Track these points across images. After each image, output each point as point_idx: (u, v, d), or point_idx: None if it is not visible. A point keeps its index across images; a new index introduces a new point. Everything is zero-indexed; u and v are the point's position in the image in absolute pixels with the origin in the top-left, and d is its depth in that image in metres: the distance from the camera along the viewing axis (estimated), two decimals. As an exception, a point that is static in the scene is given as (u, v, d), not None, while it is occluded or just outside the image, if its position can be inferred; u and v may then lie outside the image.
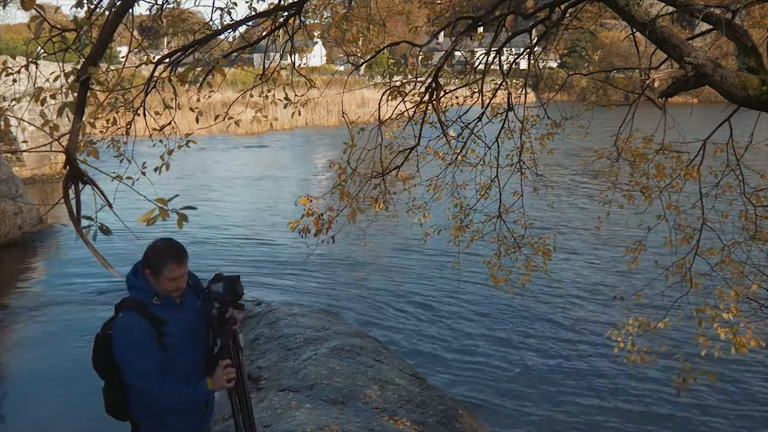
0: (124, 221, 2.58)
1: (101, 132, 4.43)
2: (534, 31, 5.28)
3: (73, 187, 2.60)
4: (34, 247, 13.81)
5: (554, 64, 19.58)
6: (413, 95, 5.06)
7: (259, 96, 5.27)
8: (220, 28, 4.23)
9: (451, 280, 10.97)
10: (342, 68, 43.46)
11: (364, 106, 33.27)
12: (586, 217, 15.55)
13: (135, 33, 3.96)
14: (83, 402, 5.82)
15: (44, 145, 2.65)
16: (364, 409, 5.74)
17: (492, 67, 5.27)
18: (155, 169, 4.31)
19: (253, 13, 4.58)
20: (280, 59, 5.23)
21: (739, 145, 4.71)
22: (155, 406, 2.92)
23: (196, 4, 5.97)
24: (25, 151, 3.32)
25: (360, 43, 6.07)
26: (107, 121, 4.34)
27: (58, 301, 10.31)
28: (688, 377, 4.68)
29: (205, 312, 3.03)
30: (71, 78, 2.89)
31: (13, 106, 3.44)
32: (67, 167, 2.58)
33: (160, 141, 4.68)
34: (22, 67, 3.36)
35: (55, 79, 3.39)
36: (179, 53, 3.67)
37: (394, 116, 5.19)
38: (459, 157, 5.42)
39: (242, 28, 4.51)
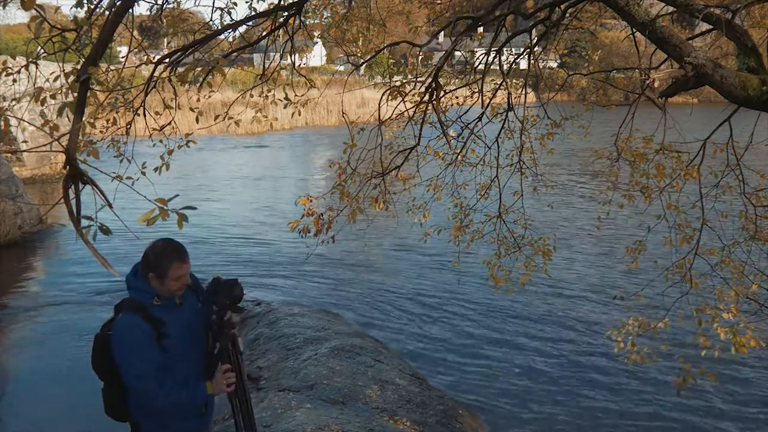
0: (124, 221, 2.58)
1: (101, 132, 4.43)
2: (534, 31, 5.28)
3: (73, 187, 2.60)
4: (34, 247, 13.81)
5: (554, 64, 19.58)
6: (413, 95, 5.06)
7: (259, 96, 5.27)
8: (220, 28, 4.23)
9: (451, 280, 10.97)
10: (342, 68, 43.47)
11: (364, 106, 33.27)
12: (586, 217, 15.55)
13: (135, 33, 3.96)
14: (83, 402, 5.81)
15: (44, 145, 2.66)
16: (364, 409, 5.74)
17: (492, 67, 5.27)
18: (155, 169, 4.31)
19: (253, 13, 4.58)
20: (280, 59, 5.23)
21: (739, 145, 4.71)
22: (154, 407, 2.91)
23: (196, 4, 5.98)
24: (25, 151, 3.32)
25: (360, 43, 6.06)
26: (107, 121, 4.34)
27: (57, 301, 10.31)
28: (687, 377, 4.68)
29: (205, 314, 3.03)
30: (71, 78, 2.89)
31: (13, 106, 3.44)
32: (67, 167, 2.58)
33: (160, 141, 4.68)
34: (22, 67, 3.36)
35: (55, 79, 3.39)
36: (179, 53, 3.67)
37: (394, 116, 5.19)
38: (459, 157, 5.42)
39: (242, 28, 4.51)
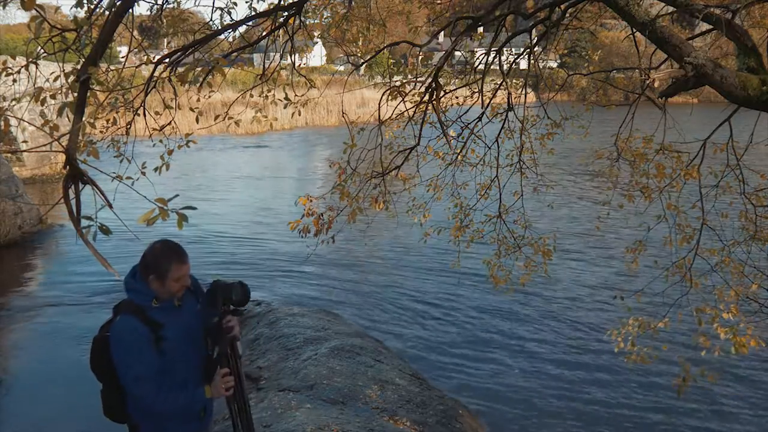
0: (124, 221, 2.57)
1: (101, 132, 4.42)
2: (534, 31, 5.28)
3: (73, 187, 2.60)
4: (34, 247, 13.81)
5: (554, 64, 19.58)
6: (413, 95, 5.06)
7: (259, 96, 5.27)
8: (220, 28, 4.23)
9: (451, 280, 10.98)
10: (342, 68, 43.46)
11: (364, 106, 33.28)
12: (586, 217, 15.55)
13: (135, 33, 3.96)
14: (82, 403, 5.81)
15: (44, 145, 2.66)
16: (364, 409, 5.74)
17: (492, 67, 5.27)
18: (155, 169, 4.31)
19: (253, 13, 4.58)
20: (280, 59, 5.23)
21: (739, 145, 4.71)
22: (152, 410, 2.90)
23: (196, 4, 5.98)
24: (25, 151, 3.32)
25: (360, 43, 6.06)
26: (107, 121, 4.34)
27: (57, 302, 10.31)
28: (688, 377, 4.68)
29: (205, 316, 3.01)
30: (71, 78, 2.89)
31: (13, 106, 3.44)
32: (67, 167, 2.59)
33: (160, 141, 4.67)
34: (22, 67, 3.36)
35: (55, 79, 3.39)
36: (179, 53, 3.67)
37: (394, 116, 5.19)
38: (459, 157, 5.42)
39: (242, 28, 4.51)
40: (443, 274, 11.45)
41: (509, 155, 5.63)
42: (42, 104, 2.81)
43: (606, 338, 5.30)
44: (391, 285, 11.16)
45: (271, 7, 4.31)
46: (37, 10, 2.70)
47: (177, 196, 2.30)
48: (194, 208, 2.22)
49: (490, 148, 5.55)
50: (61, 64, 3.48)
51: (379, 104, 4.82)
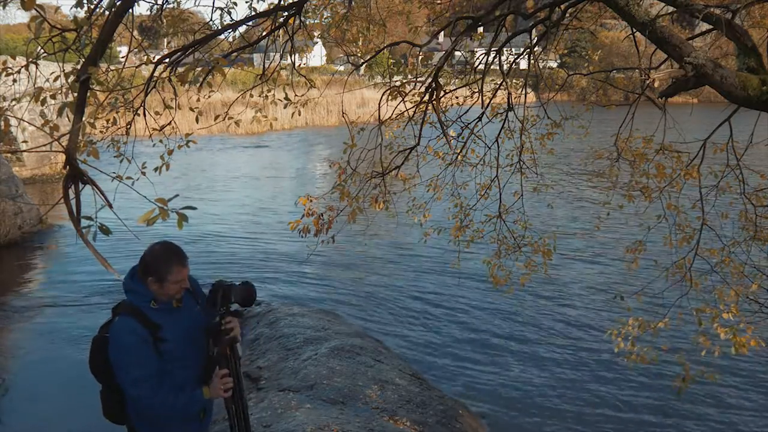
0: (124, 221, 2.57)
1: (101, 132, 4.42)
2: (534, 31, 5.27)
3: (73, 187, 2.60)
4: (34, 247, 13.81)
5: (554, 64, 19.58)
6: (413, 95, 5.06)
7: (259, 96, 5.27)
8: (220, 28, 4.23)
9: (451, 279, 10.98)
10: (342, 68, 43.45)
11: (364, 106, 33.29)
12: (586, 217, 15.55)
13: (135, 33, 3.96)
14: (82, 403, 5.81)
15: (44, 145, 2.66)
16: (364, 409, 5.74)
17: (492, 67, 5.27)
18: (155, 169, 4.31)
19: (253, 13, 4.58)
20: (280, 59, 5.23)
21: (739, 145, 4.71)
22: (151, 412, 2.89)
23: (196, 4, 5.97)
24: (25, 151, 3.33)
25: (360, 43, 6.06)
26: (107, 121, 4.34)
27: (57, 302, 10.31)
28: (688, 377, 4.68)
29: (206, 317, 3.01)
30: (71, 78, 2.89)
31: (13, 106, 3.44)
32: (67, 167, 2.58)
33: (160, 141, 4.68)
34: (22, 67, 3.36)
35: (55, 79, 3.39)
36: (179, 53, 3.67)
37: (394, 116, 5.19)
38: (459, 157, 5.42)
39: (242, 28, 4.51)
40: (443, 274, 11.45)
41: (509, 155, 5.63)
42: (42, 104, 2.82)
43: (606, 338, 5.30)
44: (391, 285, 11.16)
45: (271, 7, 4.31)
46: (37, 10, 2.70)
47: (177, 196, 2.30)
48: (194, 208, 2.22)
49: (490, 148, 5.55)
50: (61, 64, 3.48)
51: (379, 104, 4.81)
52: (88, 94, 2.86)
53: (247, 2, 5.08)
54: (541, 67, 5.59)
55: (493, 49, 5.24)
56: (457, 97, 5.70)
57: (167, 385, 2.85)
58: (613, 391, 7.45)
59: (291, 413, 5.45)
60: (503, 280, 5.42)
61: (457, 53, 5.55)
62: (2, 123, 2.51)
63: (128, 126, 4.54)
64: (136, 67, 4.54)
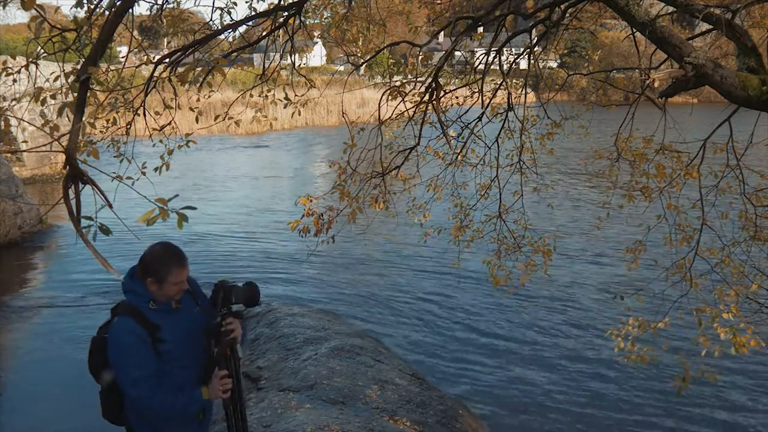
0: (124, 221, 2.57)
1: (101, 132, 4.43)
2: (534, 31, 5.28)
3: (73, 187, 2.60)
4: (34, 247, 13.81)
5: (554, 64, 19.57)
6: (413, 95, 5.06)
7: (259, 96, 5.27)
8: (220, 28, 4.23)
9: (451, 279, 10.98)
10: (342, 68, 43.45)
11: (364, 106, 33.30)
12: (586, 217, 15.55)
13: (135, 33, 3.96)
14: (81, 403, 5.80)
15: (44, 145, 2.66)
16: (364, 409, 5.74)
17: (492, 67, 5.27)
18: (155, 169, 4.31)
19: (253, 13, 4.58)
20: (280, 59, 5.23)
21: (739, 145, 4.71)
22: (150, 413, 2.89)
23: (196, 4, 5.97)
24: (25, 151, 3.33)
25: (360, 43, 6.06)
26: (107, 121, 4.34)
27: (57, 302, 10.31)
28: (688, 377, 4.68)
29: (205, 318, 3.00)
30: (71, 78, 2.89)
31: (13, 106, 3.45)
32: (67, 167, 2.58)
33: (160, 141, 4.68)
34: (22, 67, 3.36)
35: (55, 79, 3.39)
36: (179, 53, 3.66)
37: (394, 116, 5.19)
38: (459, 157, 5.42)
39: (242, 28, 4.51)
40: (443, 274, 11.45)
41: (509, 155, 5.63)
42: (42, 104, 2.82)
43: (606, 338, 5.30)
44: (391, 285, 11.16)
45: (271, 7, 4.31)
46: (37, 10, 2.70)
47: (177, 196, 2.30)
48: (194, 208, 2.22)
49: (490, 148, 5.55)
50: (61, 64, 3.48)
51: (379, 104, 4.81)
52: (88, 94, 2.85)
53: (247, 2, 5.09)
54: (541, 67, 5.59)
55: (493, 49, 5.24)
56: (457, 97, 5.70)
57: (166, 385, 2.84)
58: (612, 391, 7.45)
59: (291, 413, 5.45)
60: (503, 280, 5.42)
61: (457, 53, 5.55)
62: (2, 123, 2.51)
63: (128, 126, 4.54)
64: (136, 67, 4.54)
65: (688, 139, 4.89)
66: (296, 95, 5.28)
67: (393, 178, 5.18)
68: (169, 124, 4.79)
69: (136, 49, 4.48)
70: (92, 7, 3.59)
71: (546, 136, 5.57)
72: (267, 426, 5.17)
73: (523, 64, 6.14)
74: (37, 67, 3.28)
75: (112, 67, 4.26)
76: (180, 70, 3.33)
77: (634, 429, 6.72)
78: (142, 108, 4.34)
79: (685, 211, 4.94)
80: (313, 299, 10.41)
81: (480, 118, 5.40)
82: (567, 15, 5.08)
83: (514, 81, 5.60)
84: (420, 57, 5.49)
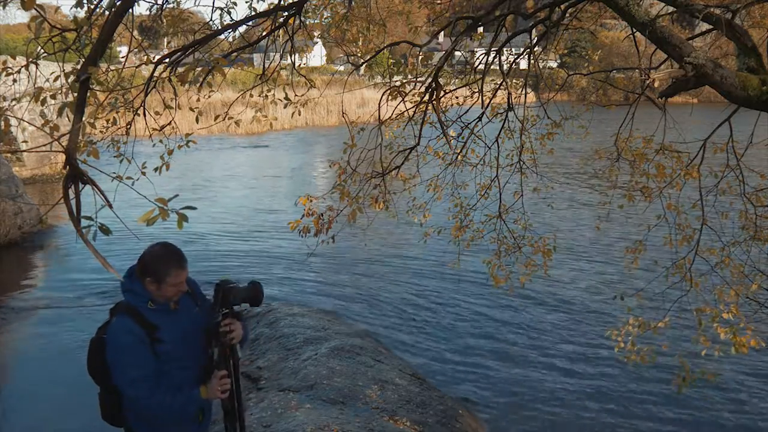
0: (124, 221, 2.57)
1: (101, 132, 4.43)
2: (534, 31, 5.28)
3: (73, 187, 2.60)
4: (34, 247, 13.81)
5: (554, 64, 19.57)
6: (413, 95, 5.06)
7: (259, 96, 5.27)
8: (220, 28, 4.23)
9: (451, 280, 10.98)
10: (342, 68, 43.45)
11: (364, 106, 33.30)
12: (586, 217, 15.55)
13: (135, 33, 3.96)
14: (81, 403, 5.80)
15: (44, 145, 2.65)
16: (364, 409, 5.74)
17: (492, 67, 5.27)
18: (155, 169, 4.31)
19: (253, 13, 4.58)
20: (280, 59, 5.23)
21: (739, 145, 4.71)
22: (148, 413, 2.88)
23: (196, 4, 5.97)
24: (25, 151, 3.33)
25: (360, 43, 6.07)
26: (107, 121, 4.34)
27: (57, 302, 10.31)
28: (687, 377, 4.68)
29: (204, 319, 3.00)
30: (71, 78, 2.89)
31: (13, 106, 3.44)
32: (67, 167, 2.58)
33: (160, 141, 4.68)
34: (22, 67, 3.36)
35: (55, 79, 3.39)
36: (179, 53, 3.66)
37: (394, 116, 5.19)
38: (459, 157, 5.42)
39: (242, 28, 4.51)
40: (443, 274, 11.45)
41: (509, 155, 5.64)
42: (42, 104, 2.82)
43: (606, 338, 5.31)
44: (391, 285, 11.16)
45: (271, 7, 4.31)
46: (37, 10, 2.70)
47: (177, 196, 2.30)
48: (194, 208, 2.21)
49: (490, 148, 5.56)
50: (61, 64, 3.48)
51: (379, 104, 4.81)
52: (88, 94, 2.85)
53: (247, 2, 5.09)
54: (541, 67, 5.60)
55: (493, 49, 5.24)
56: (457, 97, 5.70)
57: (164, 385, 2.83)
58: (612, 391, 7.44)
59: (291, 413, 5.45)
60: (503, 280, 5.42)
61: (457, 53, 5.55)
62: (2, 123, 2.50)
63: (128, 126, 4.54)
64: (136, 67, 4.54)
65: (688, 139, 4.89)
66: (296, 95, 5.28)
67: (393, 178, 5.18)
68: (169, 124, 4.79)
69: (136, 49, 4.48)
70: (92, 7, 3.59)
71: (546, 136, 5.57)
72: (267, 426, 5.17)
73: (523, 64, 6.14)
74: (37, 67, 3.28)
75: (112, 67, 4.26)
76: (180, 70, 3.33)
77: (634, 429, 6.72)
78: (142, 108, 4.34)
79: (685, 211, 4.94)
80: (313, 299, 10.41)
81: (480, 118, 5.40)
82: (567, 15, 5.08)
83: (514, 81, 5.60)
84: (420, 57, 5.49)
